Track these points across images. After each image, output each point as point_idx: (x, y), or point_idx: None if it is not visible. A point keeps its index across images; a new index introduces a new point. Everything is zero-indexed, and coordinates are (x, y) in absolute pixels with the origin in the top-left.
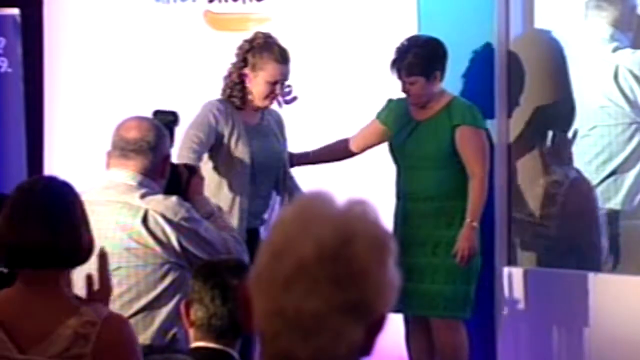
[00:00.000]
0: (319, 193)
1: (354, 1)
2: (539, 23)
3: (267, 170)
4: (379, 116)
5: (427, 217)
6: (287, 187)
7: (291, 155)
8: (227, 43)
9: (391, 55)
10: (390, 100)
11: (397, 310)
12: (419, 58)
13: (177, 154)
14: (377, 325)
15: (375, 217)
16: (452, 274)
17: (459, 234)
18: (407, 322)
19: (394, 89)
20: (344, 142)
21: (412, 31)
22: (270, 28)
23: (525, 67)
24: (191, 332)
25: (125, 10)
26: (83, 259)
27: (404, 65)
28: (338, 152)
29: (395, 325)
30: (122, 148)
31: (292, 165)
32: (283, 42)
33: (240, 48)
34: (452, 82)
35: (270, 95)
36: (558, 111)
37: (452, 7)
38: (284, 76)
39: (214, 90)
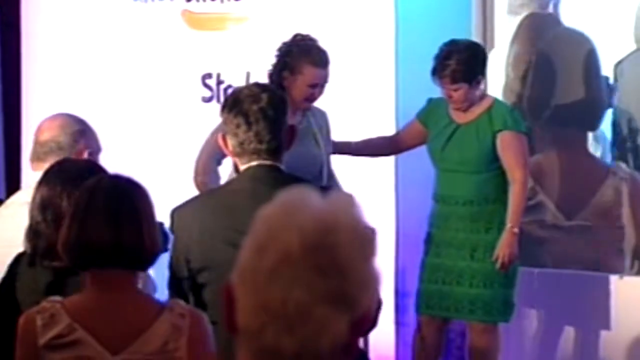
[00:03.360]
0: (300, 190)
1: (332, 1)
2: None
3: (300, 174)
4: (419, 116)
5: (465, 221)
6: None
7: (334, 143)
8: (205, 42)
9: (369, 54)
10: (430, 100)
11: (430, 314)
12: (462, 64)
13: (199, 158)
14: (360, 323)
15: (357, 211)
16: (491, 278)
17: (500, 240)
18: (418, 320)
19: (372, 88)
20: (386, 140)
21: (390, 31)
22: (248, 28)
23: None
24: (238, 159)
25: (103, 9)
26: (148, 259)
27: (448, 73)
28: (378, 148)
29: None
30: (35, 150)
31: (333, 153)
32: (261, 41)
33: (279, 50)
34: (430, 82)
35: (310, 98)
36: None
37: (430, 8)
38: (324, 79)
39: (192, 89)
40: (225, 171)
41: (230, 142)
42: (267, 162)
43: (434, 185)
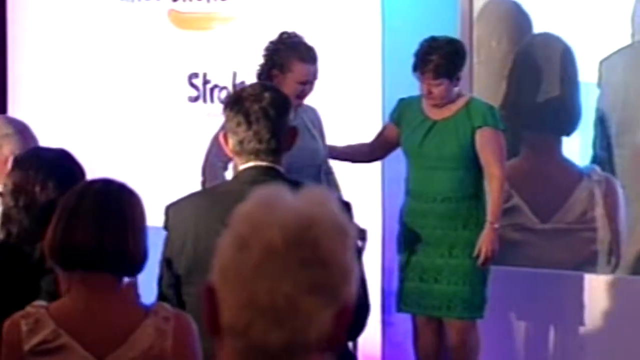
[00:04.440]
0: (273, 187)
1: (318, 0)
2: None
3: (300, 170)
4: (391, 117)
5: (443, 218)
6: (327, 183)
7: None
8: (192, 42)
9: (355, 55)
10: (401, 100)
11: (409, 312)
12: (444, 59)
13: (206, 160)
14: (344, 314)
15: (333, 204)
16: (470, 275)
17: (481, 236)
18: (414, 322)
19: (358, 87)
20: (366, 146)
21: (376, 31)
22: (235, 27)
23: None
24: (237, 158)
25: (89, 8)
26: (132, 265)
27: (430, 68)
28: (361, 154)
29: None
30: None
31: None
32: (248, 41)
33: (266, 50)
34: (416, 83)
35: (301, 95)
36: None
37: (416, 7)
38: (313, 75)
39: (178, 89)
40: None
41: (231, 140)
42: (264, 164)
43: (408, 182)
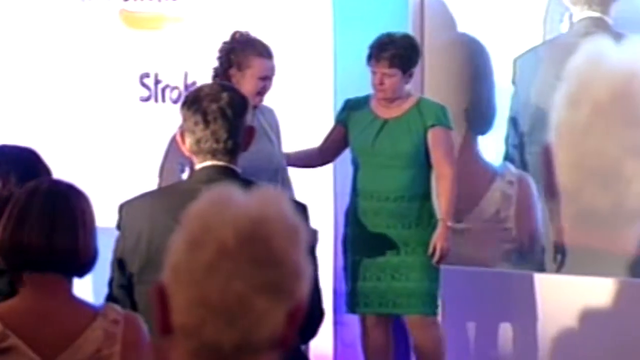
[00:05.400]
0: (226, 187)
1: (269, 1)
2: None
3: (255, 174)
4: (339, 118)
5: (396, 216)
6: (283, 185)
7: None
8: (143, 42)
9: (306, 55)
10: (348, 100)
11: (368, 312)
12: (402, 50)
13: (163, 161)
14: (296, 314)
15: (286, 204)
16: (426, 271)
17: (435, 234)
18: (362, 321)
19: (310, 87)
20: (315, 150)
21: (328, 32)
22: (186, 27)
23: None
24: (194, 157)
25: (39, 7)
26: (82, 265)
27: (386, 56)
28: (309, 159)
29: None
30: None
31: None
32: (199, 41)
33: (220, 51)
34: (368, 84)
35: (262, 91)
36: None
37: (367, 9)
38: (272, 71)
39: (130, 88)
40: None
41: (188, 139)
42: (221, 163)
43: (357, 181)
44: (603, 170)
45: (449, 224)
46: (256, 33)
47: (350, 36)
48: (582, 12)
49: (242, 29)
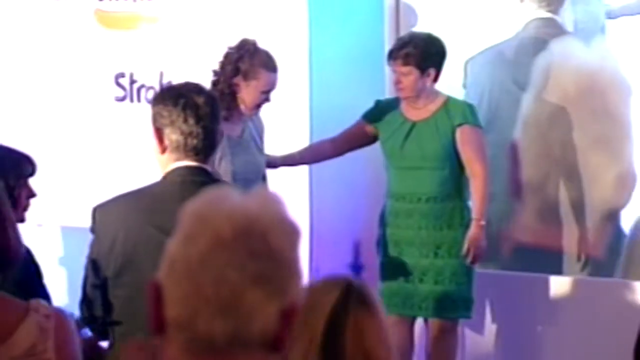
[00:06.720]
0: (220, 188)
1: (245, 1)
2: (428, 25)
3: (246, 184)
4: (366, 117)
5: (428, 218)
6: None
7: (275, 158)
8: (118, 41)
9: (282, 55)
10: (379, 101)
11: (393, 313)
12: (418, 48)
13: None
14: (290, 314)
15: (281, 203)
16: (457, 274)
17: (468, 234)
18: None
19: (285, 89)
20: (329, 143)
21: (303, 33)
22: (161, 27)
23: None
24: (164, 157)
25: (13, 6)
26: (13, 261)
27: (401, 54)
28: (323, 153)
29: None
30: None
31: (276, 167)
32: (175, 41)
33: (227, 57)
34: (344, 83)
35: (261, 104)
36: None
37: (343, 9)
38: (275, 85)
39: (105, 88)
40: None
41: (172, 135)
42: (194, 164)
43: (389, 184)
44: (568, 162)
45: (482, 223)
46: (231, 32)
47: (325, 36)
48: (533, 13)
49: (218, 29)
